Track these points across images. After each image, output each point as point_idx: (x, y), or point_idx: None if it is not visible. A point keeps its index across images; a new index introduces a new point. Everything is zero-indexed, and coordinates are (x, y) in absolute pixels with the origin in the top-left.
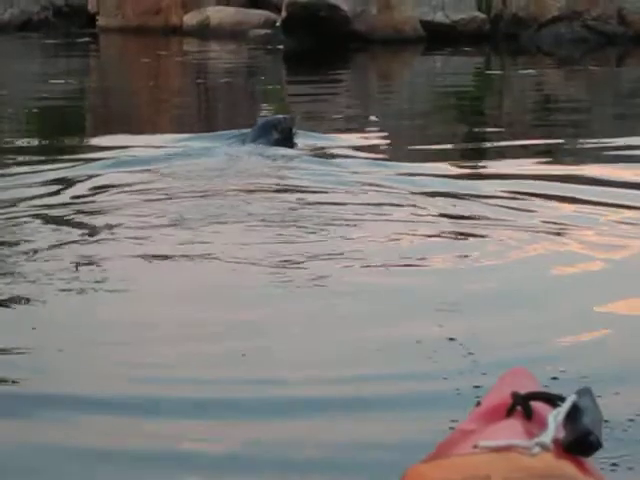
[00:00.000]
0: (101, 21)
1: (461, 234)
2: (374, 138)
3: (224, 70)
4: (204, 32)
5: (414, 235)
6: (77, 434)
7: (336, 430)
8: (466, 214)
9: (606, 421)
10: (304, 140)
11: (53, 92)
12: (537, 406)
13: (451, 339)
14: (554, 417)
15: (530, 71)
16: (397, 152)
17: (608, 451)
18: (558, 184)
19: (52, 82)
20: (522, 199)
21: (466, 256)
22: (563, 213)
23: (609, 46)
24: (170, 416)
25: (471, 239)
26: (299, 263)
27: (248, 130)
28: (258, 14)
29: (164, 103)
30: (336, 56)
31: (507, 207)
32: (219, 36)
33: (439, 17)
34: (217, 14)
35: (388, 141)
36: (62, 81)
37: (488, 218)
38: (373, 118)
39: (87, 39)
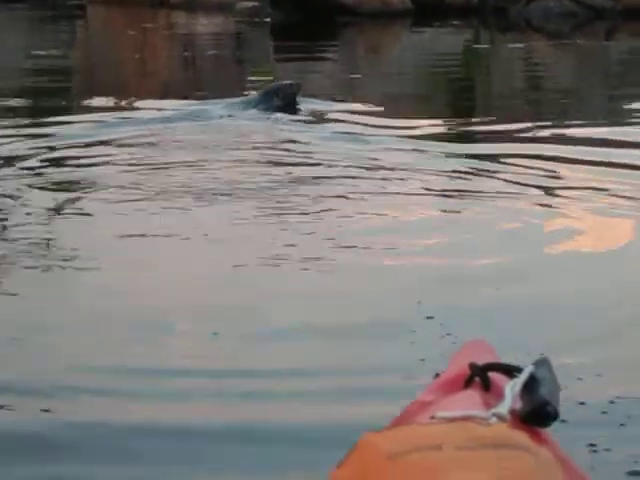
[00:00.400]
0: None
1: (451, 210)
2: (366, 108)
3: (211, 43)
4: (191, 4)
5: (403, 211)
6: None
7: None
8: (455, 189)
9: (582, 403)
10: (307, 106)
11: (38, 63)
12: (495, 377)
13: (429, 317)
14: (511, 388)
15: (519, 45)
16: (388, 122)
17: (587, 432)
18: (541, 162)
19: (37, 53)
20: (511, 175)
21: (453, 234)
22: (550, 190)
23: (598, 20)
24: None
25: (460, 214)
26: (287, 239)
27: (251, 96)
28: None
29: (151, 75)
30: (324, 30)
31: (497, 181)
32: (206, 8)
33: None
34: None
35: (382, 109)
36: (46, 52)
37: (478, 194)
38: (363, 90)
39: (74, 11)
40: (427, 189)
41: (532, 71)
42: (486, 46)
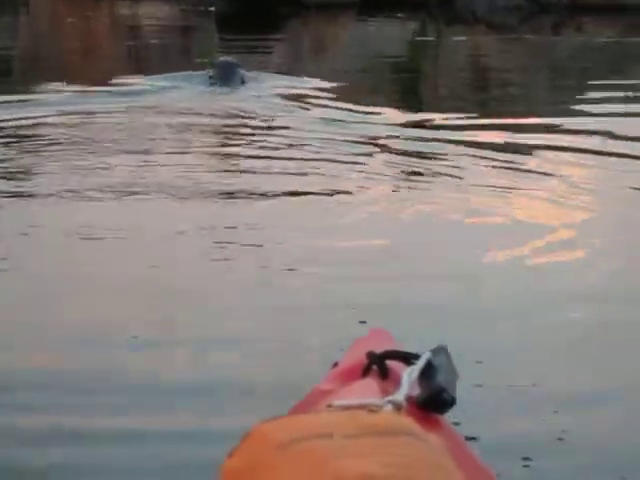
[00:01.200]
0: None
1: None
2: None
3: (154, 31)
4: None
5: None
6: None
7: None
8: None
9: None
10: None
11: None
12: (393, 365)
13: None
14: (408, 374)
15: (464, 38)
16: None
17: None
18: (488, 151)
19: None
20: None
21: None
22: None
23: (543, 14)
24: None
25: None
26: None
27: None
28: None
29: (93, 62)
30: (268, 20)
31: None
32: None
33: None
34: None
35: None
36: None
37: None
38: (305, 76)
39: (16, 1)
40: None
41: (477, 63)
42: (432, 38)
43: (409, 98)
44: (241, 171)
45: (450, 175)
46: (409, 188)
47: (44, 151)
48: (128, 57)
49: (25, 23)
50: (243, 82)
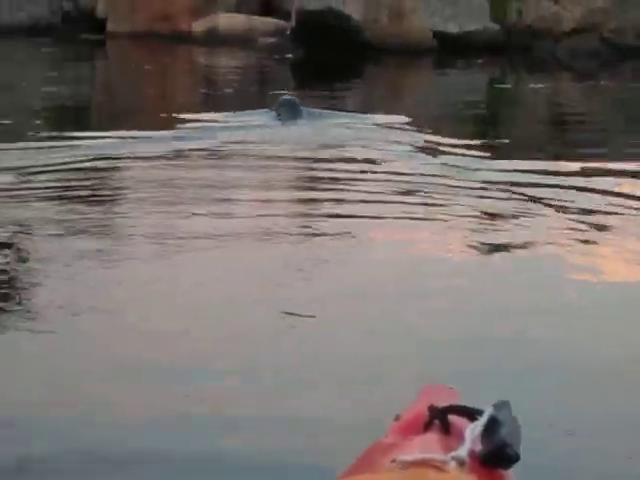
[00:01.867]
0: (110, 26)
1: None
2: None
3: (230, 79)
4: (213, 39)
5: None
6: None
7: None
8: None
9: None
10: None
11: (54, 95)
12: (455, 420)
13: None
14: (471, 430)
15: (545, 85)
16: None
17: None
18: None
19: (55, 84)
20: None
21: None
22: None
23: (624, 60)
24: None
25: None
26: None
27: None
28: (268, 22)
29: (167, 105)
30: (345, 66)
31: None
32: (228, 43)
33: (451, 27)
34: (226, 21)
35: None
36: (64, 86)
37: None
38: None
39: (95, 44)
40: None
41: (558, 110)
42: (510, 85)
43: (490, 143)
44: (330, 215)
45: None
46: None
47: (125, 196)
48: (203, 103)
49: (102, 68)
50: (307, 118)
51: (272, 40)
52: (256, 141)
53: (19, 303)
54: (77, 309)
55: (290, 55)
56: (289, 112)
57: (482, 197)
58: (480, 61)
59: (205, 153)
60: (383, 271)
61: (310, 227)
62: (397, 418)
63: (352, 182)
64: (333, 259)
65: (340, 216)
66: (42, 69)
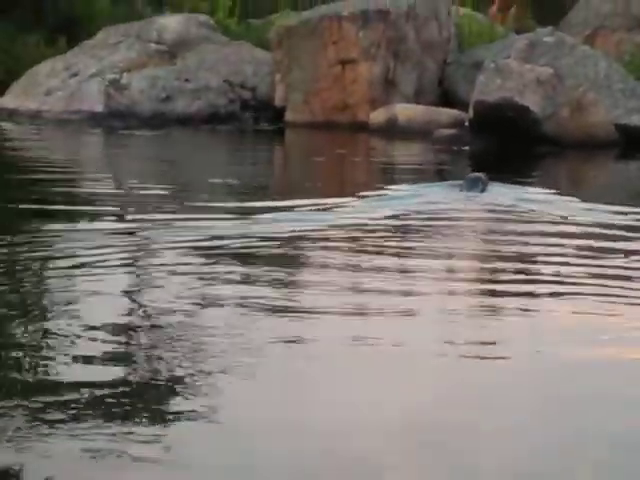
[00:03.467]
0: (288, 116)
1: None
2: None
3: (406, 169)
4: (391, 130)
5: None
6: None
7: None
8: None
9: None
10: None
11: (232, 180)
12: None
13: None
14: None
15: None
16: None
17: None
18: None
19: (231, 170)
20: None
21: None
22: None
23: None
24: None
25: None
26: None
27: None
28: (447, 113)
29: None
30: (523, 159)
31: None
32: (405, 134)
33: (635, 120)
34: (405, 112)
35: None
36: (240, 170)
37: None
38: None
39: (273, 132)
40: None
41: None
42: None
43: None
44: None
45: None
46: None
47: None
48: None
49: (279, 154)
50: (494, 191)
51: (450, 132)
52: (440, 209)
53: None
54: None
55: (467, 147)
56: (474, 185)
57: None
58: None
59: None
60: None
61: None
62: None
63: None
64: None
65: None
66: (220, 154)
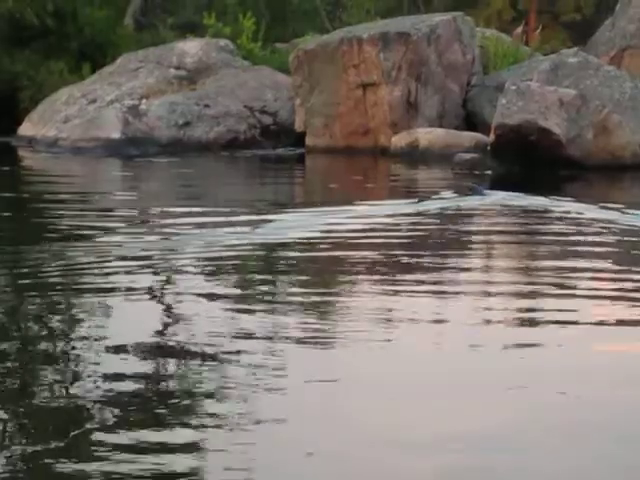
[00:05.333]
0: (309, 140)
1: None
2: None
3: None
4: (412, 154)
5: None
6: None
7: None
8: None
9: None
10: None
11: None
12: None
13: None
14: None
15: None
16: None
17: None
18: None
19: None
20: None
21: None
22: None
23: None
24: None
25: None
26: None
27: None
28: (469, 136)
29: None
30: (547, 182)
31: None
32: (427, 159)
33: None
34: (426, 136)
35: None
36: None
37: None
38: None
39: (293, 157)
40: None
41: None
42: None
43: None
44: None
45: None
46: None
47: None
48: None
49: (301, 180)
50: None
51: (471, 156)
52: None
53: None
54: None
55: (489, 171)
56: (478, 191)
57: None
58: None
59: None
60: None
61: None
62: None
63: None
64: None
65: None
66: (238, 178)
